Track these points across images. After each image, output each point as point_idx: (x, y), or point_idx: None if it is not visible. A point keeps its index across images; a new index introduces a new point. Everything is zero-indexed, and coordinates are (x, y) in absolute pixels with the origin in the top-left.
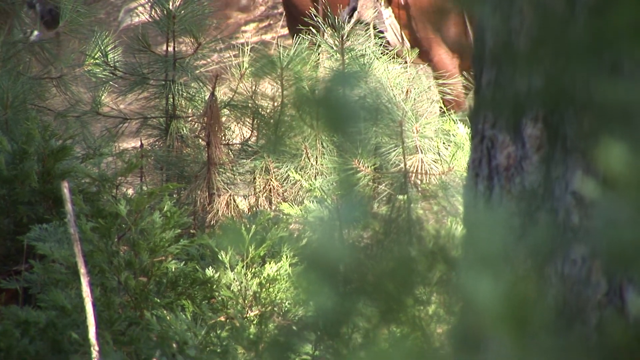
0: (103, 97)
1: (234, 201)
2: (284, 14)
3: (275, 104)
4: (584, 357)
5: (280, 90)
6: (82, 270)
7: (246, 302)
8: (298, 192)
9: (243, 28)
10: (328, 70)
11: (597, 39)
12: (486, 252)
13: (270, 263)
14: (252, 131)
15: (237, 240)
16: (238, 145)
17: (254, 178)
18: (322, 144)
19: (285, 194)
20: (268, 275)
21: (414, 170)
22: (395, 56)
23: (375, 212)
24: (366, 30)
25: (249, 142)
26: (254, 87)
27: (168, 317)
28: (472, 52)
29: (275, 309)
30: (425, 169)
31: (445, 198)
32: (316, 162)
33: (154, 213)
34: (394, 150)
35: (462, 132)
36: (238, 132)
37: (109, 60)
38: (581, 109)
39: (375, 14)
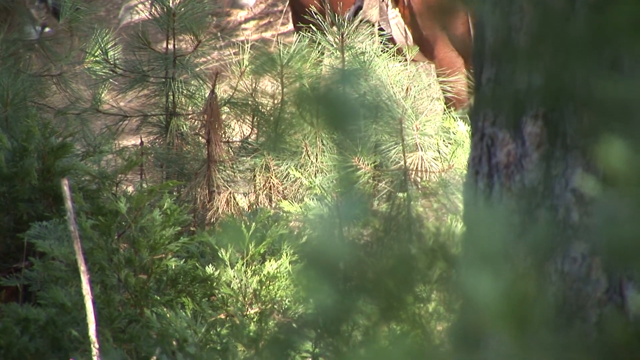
0: (103, 95)
1: (234, 199)
2: (290, 11)
3: (276, 101)
4: (584, 354)
5: (280, 87)
6: (82, 267)
7: (246, 299)
8: (298, 189)
9: (243, 25)
10: (328, 68)
11: (597, 35)
12: (486, 250)
13: (270, 260)
14: (252, 129)
15: (237, 237)
16: (238, 142)
17: (254, 175)
18: (322, 141)
19: (285, 191)
20: (268, 272)
21: (414, 168)
22: (396, 53)
23: (375, 209)
24: (370, 27)
25: (249, 140)
26: (254, 85)
27: (168, 315)
28: (472, 50)
29: (276, 306)
30: (425, 167)
31: (445, 196)
32: (316, 160)
33: (154, 210)
34: (394, 148)
35: (462, 130)
36: (238, 129)
37: (109, 57)
38: (581, 106)
39: (381, 13)
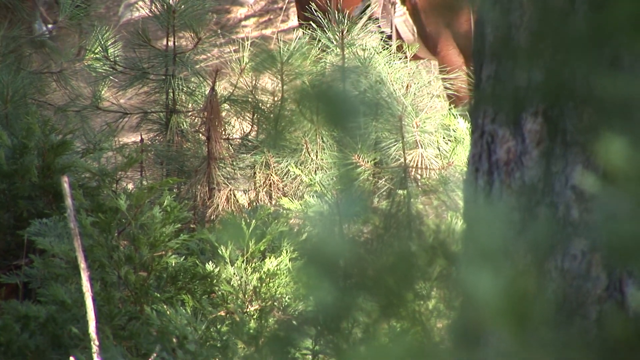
0: (103, 92)
1: (234, 196)
2: (295, 5)
3: (276, 98)
4: (584, 351)
5: (280, 84)
6: (82, 264)
7: (246, 296)
8: (298, 186)
9: (243, 23)
10: (329, 65)
11: (597, 32)
12: (486, 247)
13: (270, 258)
14: (252, 126)
15: (237, 234)
16: (238, 139)
17: (254, 173)
18: (322, 138)
19: (285, 188)
20: (268, 270)
21: (414, 165)
22: (396, 50)
23: (375, 206)
24: (376, 26)
25: (249, 137)
26: (254, 82)
27: (168, 312)
28: (472, 47)
29: (275, 303)
30: (425, 164)
31: (445, 193)
32: (316, 157)
33: (154, 208)
34: (394, 145)
35: (462, 127)
36: (238, 126)
37: (109, 54)
38: (581, 103)
39: (383, 12)
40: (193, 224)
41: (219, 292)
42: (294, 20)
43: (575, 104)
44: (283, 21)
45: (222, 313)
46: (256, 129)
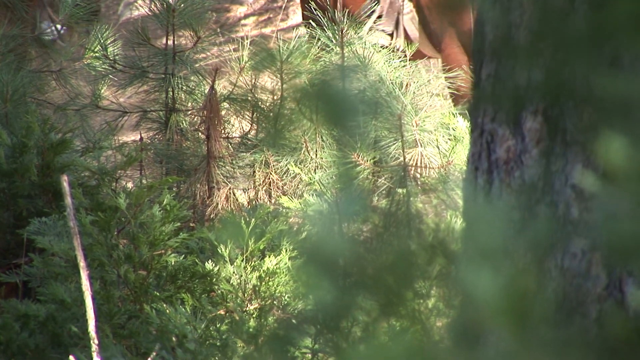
0: (103, 91)
1: (234, 194)
2: (300, 4)
3: (275, 97)
4: (583, 350)
5: (279, 83)
6: (82, 263)
7: (246, 295)
8: (297, 185)
9: (243, 21)
10: (329, 64)
11: (596, 32)
12: (486, 246)
13: (269, 256)
14: (251, 124)
15: (236, 233)
16: (238, 138)
17: (254, 171)
18: (321, 137)
19: (284, 187)
20: (267, 268)
21: (414, 164)
22: (398, 49)
23: (375, 205)
24: (378, 23)
25: (249, 136)
26: (253, 81)
27: (167, 311)
28: (472, 46)
29: (275, 302)
30: (424, 163)
31: (445, 192)
32: (316, 156)
33: (153, 206)
34: (394, 144)
35: (461, 126)
36: (238, 125)
37: (108, 53)
38: (581, 103)
39: (387, 10)
40: (192, 223)
41: (219, 291)
42: (293, 19)
43: (575, 103)
44: (282, 20)
45: (222, 312)
46: (256, 127)
